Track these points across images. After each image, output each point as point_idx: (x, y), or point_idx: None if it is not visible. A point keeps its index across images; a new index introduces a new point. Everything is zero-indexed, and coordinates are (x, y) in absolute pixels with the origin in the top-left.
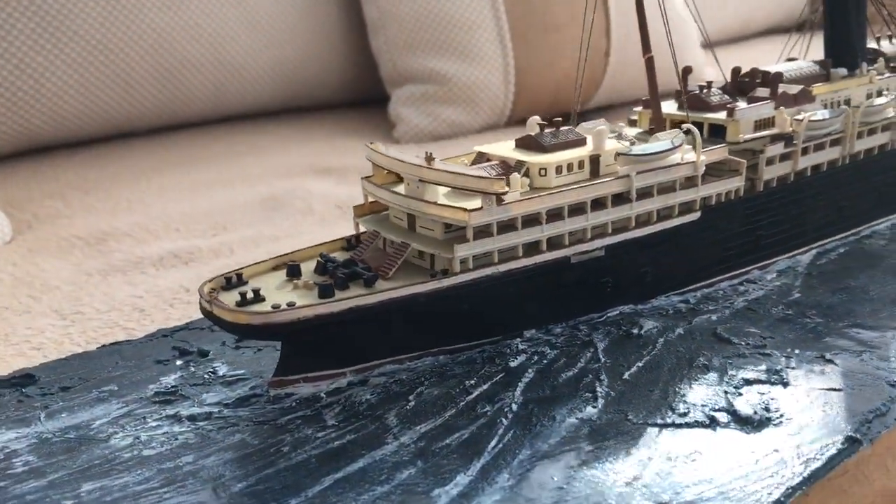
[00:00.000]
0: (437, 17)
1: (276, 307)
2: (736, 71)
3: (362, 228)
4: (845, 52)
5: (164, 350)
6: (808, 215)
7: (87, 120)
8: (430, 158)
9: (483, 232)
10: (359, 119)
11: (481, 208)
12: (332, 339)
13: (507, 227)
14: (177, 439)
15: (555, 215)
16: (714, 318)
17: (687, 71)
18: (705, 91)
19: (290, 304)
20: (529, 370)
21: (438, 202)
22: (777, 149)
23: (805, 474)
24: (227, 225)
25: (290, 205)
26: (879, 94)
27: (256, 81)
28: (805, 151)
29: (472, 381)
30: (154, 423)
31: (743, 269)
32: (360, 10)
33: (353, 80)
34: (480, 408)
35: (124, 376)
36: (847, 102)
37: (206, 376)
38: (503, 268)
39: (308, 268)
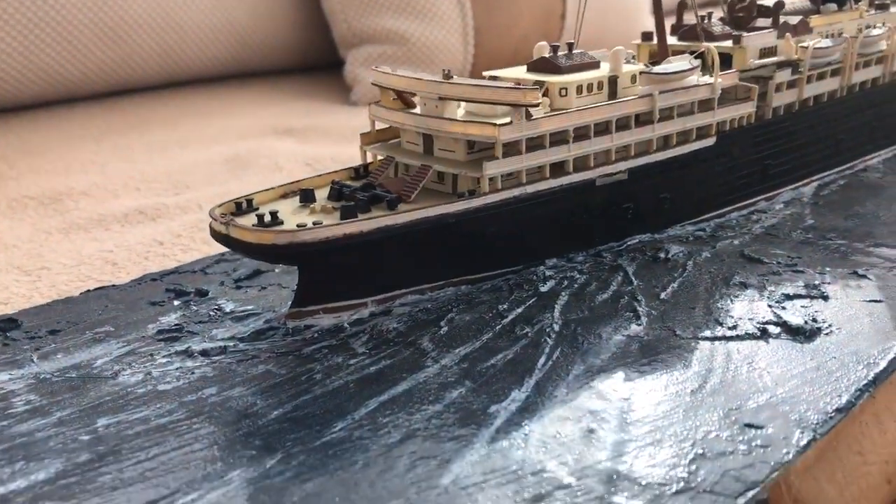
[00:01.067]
0: None
1: (301, 226)
2: (732, 4)
3: (369, 158)
4: None
5: (157, 293)
6: (811, 146)
7: (27, 82)
8: (448, 76)
9: (511, 151)
10: (312, 82)
11: (511, 123)
12: (355, 265)
13: (534, 146)
14: (193, 373)
15: (580, 136)
16: (736, 242)
17: (682, 6)
18: (706, 22)
19: (317, 224)
20: (562, 293)
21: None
22: (785, 75)
23: (869, 377)
24: (189, 184)
25: (255, 163)
26: (868, 28)
27: (206, 44)
28: (809, 80)
29: (505, 306)
30: (163, 360)
31: (751, 200)
32: None
33: (305, 43)
34: (519, 329)
35: (118, 318)
36: (840, 35)
37: (211, 314)
38: (531, 189)
39: (321, 195)
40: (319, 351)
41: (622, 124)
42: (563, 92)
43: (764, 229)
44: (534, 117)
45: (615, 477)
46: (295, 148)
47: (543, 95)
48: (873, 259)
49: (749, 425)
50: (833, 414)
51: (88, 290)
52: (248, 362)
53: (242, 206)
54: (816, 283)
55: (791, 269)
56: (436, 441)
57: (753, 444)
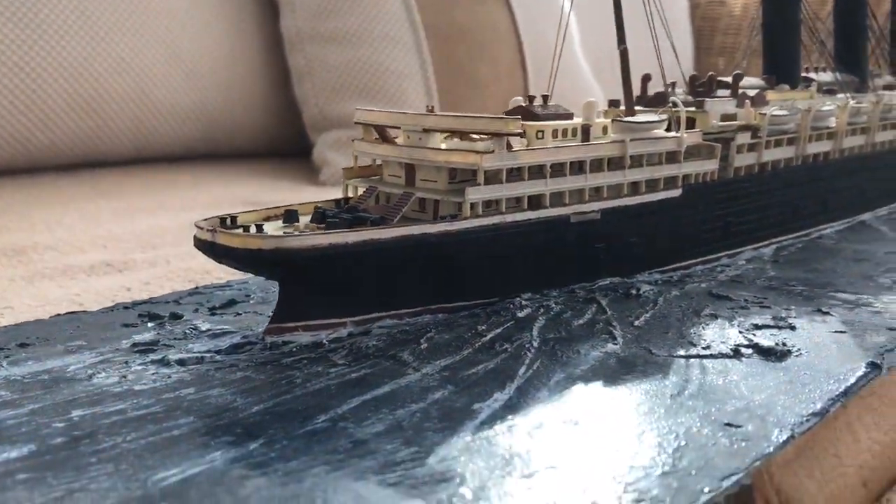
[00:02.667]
0: (367, 66)
1: (288, 233)
2: (693, 78)
3: (351, 192)
4: (785, 71)
5: (129, 318)
6: (770, 209)
7: None
8: (431, 109)
9: (491, 180)
10: (280, 165)
11: (493, 152)
12: (336, 281)
13: (513, 178)
14: (170, 377)
15: (557, 173)
16: (703, 285)
17: (647, 78)
18: (669, 91)
19: (303, 232)
20: (539, 318)
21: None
22: (745, 137)
23: (840, 389)
24: (157, 245)
25: None
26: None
27: (178, 122)
28: (767, 146)
29: (483, 327)
30: (139, 367)
31: (714, 255)
32: (283, 60)
33: (273, 128)
34: (499, 346)
35: (90, 335)
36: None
37: (186, 332)
38: (510, 218)
39: (304, 219)
40: (299, 362)
41: (595, 166)
42: (540, 135)
43: (729, 277)
44: (514, 149)
45: (602, 459)
46: None
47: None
48: (835, 301)
49: (729, 424)
50: (809, 417)
51: (59, 314)
52: (227, 370)
53: (227, 223)
54: (783, 316)
55: (758, 305)
56: (421, 431)
57: (734, 438)
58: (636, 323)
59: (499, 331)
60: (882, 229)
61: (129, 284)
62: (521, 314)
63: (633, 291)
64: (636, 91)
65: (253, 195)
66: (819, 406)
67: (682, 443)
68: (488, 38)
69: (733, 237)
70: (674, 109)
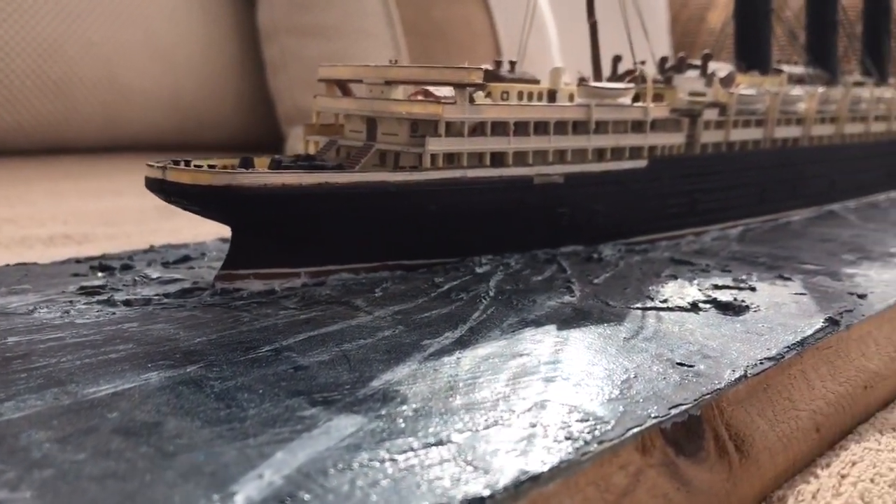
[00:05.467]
0: (342, 60)
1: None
2: (663, 60)
3: (311, 150)
4: (756, 58)
5: (81, 269)
6: (737, 189)
7: None
8: (394, 62)
9: (453, 132)
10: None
11: (455, 102)
12: (291, 227)
13: (476, 134)
14: (114, 314)
15: (520, 132)
16: (667, 254)
17: (617, 59)
18: (638, 66)
19: (256, 170)
20: (498, 273)
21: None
22: (713, 114)
23: (796, 340)
24: (118, 222)
25: None
26: (789, 86)
27: (150, 109)
28: (735, 125)
29: (441, 279)
30: (83, 306)
31: (680, 231)
32: (258, 52)
33: (247, 120)
34: (454, 295)
35: (37, 281)
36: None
37: (136, 279)
38: (471, 173)
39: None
40: (249, 305)
41: (560, 128)
42: (505, 96)
43: (693, 249)
44: (477, 103)
45: (549, 387)
46: None
47: (486, 96)
48: (796, 272)
49: (681, 364)
50: (762, 361)
51: (7, 265)
52: (173, 310)
53: (180, 164)
54: (744, 279)
55: (720, 270)
56: (366, 361)
57: (685, 375)
58: (595, 281)
59: (456, 283)
60: (850, 218)
61: (87, 254)
62: (479, 270)
63: (595, 255)
64: (606, 73)
65: None
66: (774, 352)
67: (632, 375)
68: (465, 36)
69: (699, 215)
70: (641, 84)
